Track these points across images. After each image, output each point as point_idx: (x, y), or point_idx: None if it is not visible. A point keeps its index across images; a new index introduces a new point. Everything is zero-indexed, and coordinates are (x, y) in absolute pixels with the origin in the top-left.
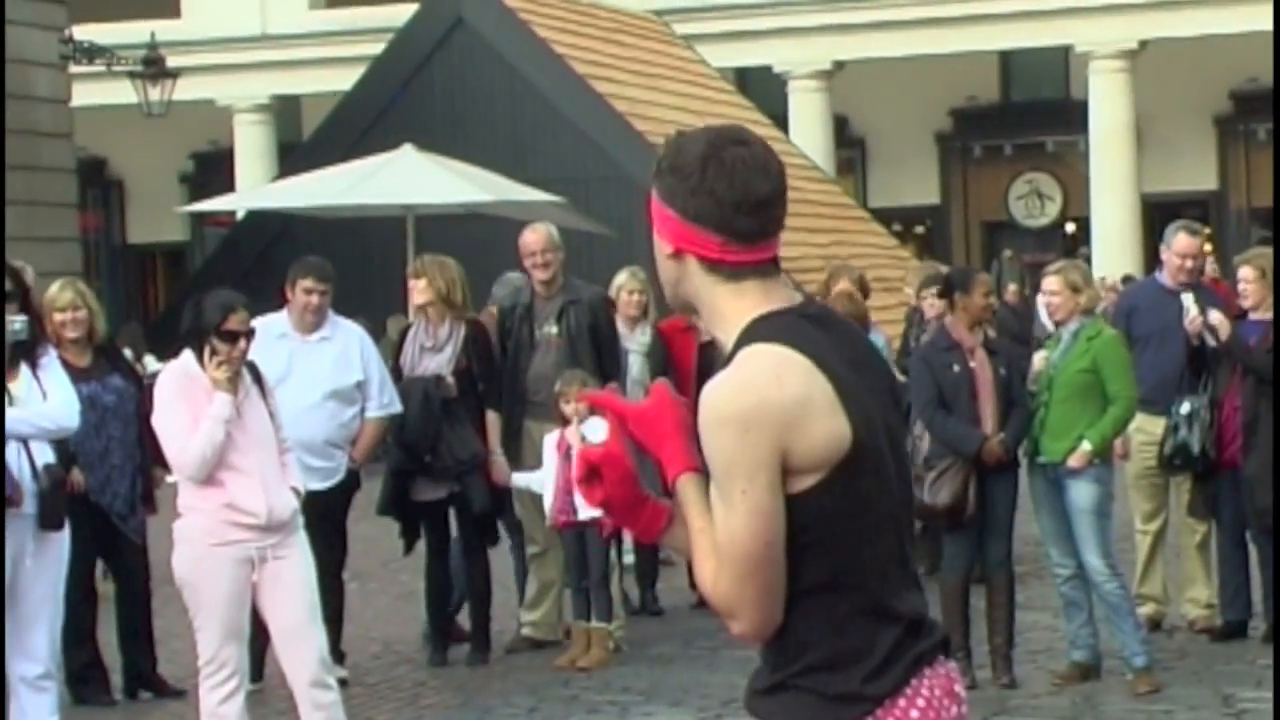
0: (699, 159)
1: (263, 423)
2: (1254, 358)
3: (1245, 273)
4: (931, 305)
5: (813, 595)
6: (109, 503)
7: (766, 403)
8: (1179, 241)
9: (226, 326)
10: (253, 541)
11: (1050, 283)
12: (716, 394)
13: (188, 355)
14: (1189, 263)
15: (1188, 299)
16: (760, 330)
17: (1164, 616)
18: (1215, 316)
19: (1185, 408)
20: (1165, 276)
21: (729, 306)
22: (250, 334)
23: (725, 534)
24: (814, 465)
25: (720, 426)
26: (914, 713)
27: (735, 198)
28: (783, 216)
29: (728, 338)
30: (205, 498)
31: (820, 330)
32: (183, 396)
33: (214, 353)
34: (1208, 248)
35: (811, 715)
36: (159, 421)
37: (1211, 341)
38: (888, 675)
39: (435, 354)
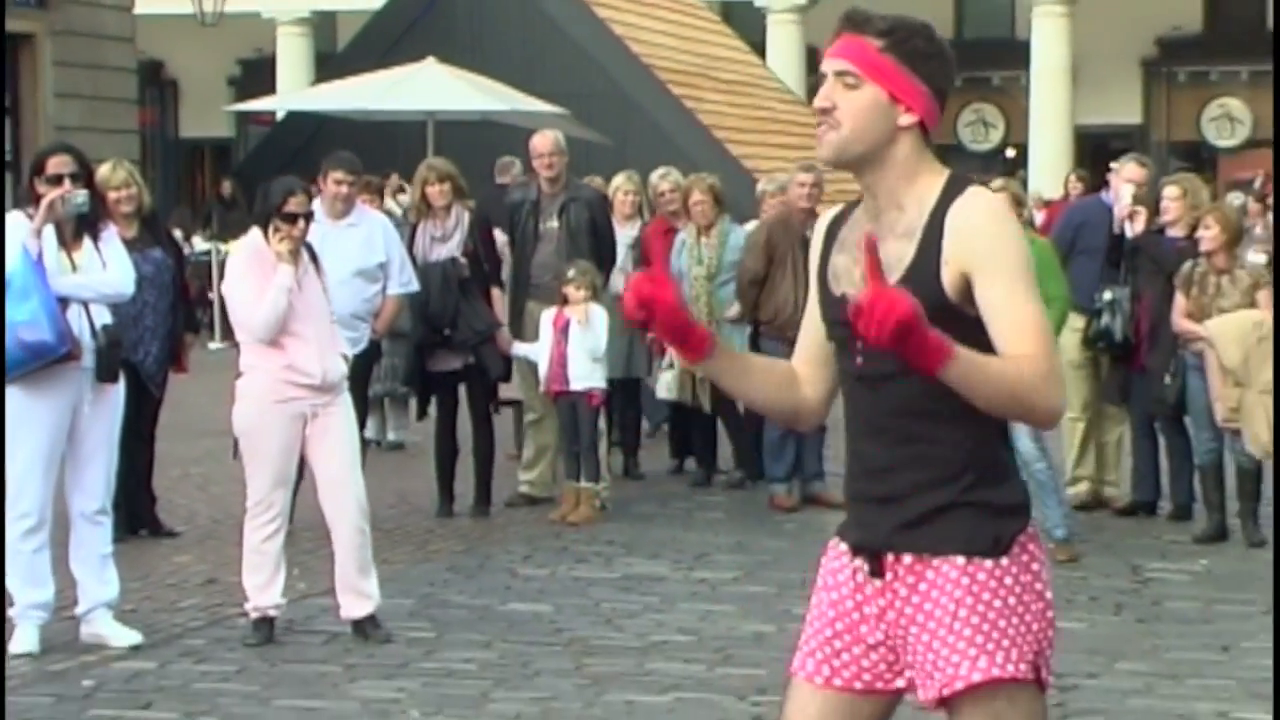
0: (948, 49)
1: (319, 295)
2: (1162, 253)
3: (1170, 191)
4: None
5: (974, 411)
6: (140, 360)
7: None
8: (1129, 169)
9: (287, 208)
10: (307, 399)
11: None
12: (1000, 202)
13: (256, 233)
14: (1138, 190)
15: (1126, 188)
16: (966, 180)
17: (1099, 492)
18: (1139, 209)
19: (1108, 295)
20: (1110, 197)
21: (929, 170)
22: (309, 215)
23: (1038, 316)
24: None
25: (1014, 226)
26: (1033, 544)
27: (950, 86)
28: None
29: (917, 193)
30: (268, 358)
31: None
32: (251, 269)
33: (277, 230)
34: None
35: (983, 529)
36: (230, 290)
37: (1130, 231)
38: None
39: (443, 243)
